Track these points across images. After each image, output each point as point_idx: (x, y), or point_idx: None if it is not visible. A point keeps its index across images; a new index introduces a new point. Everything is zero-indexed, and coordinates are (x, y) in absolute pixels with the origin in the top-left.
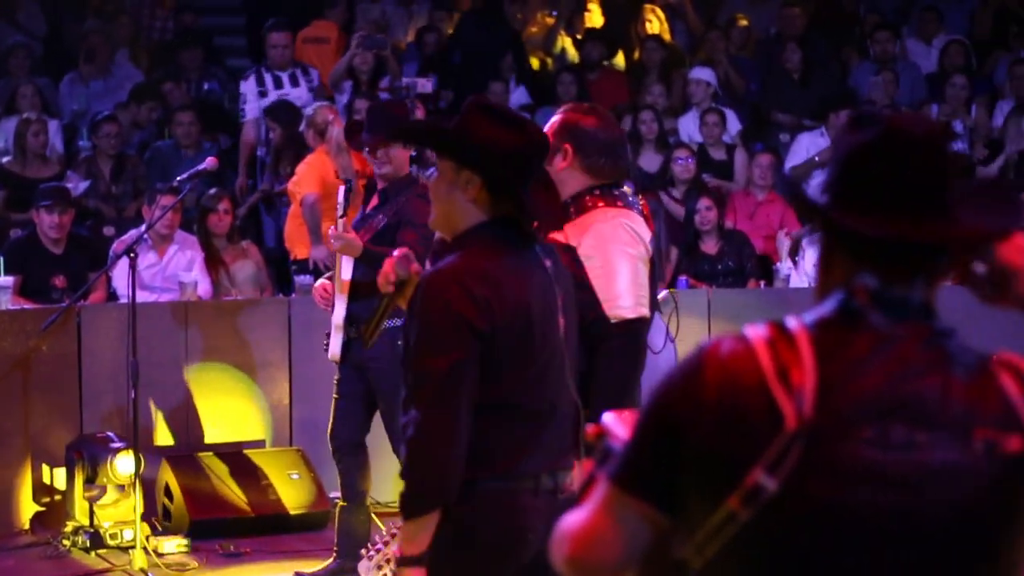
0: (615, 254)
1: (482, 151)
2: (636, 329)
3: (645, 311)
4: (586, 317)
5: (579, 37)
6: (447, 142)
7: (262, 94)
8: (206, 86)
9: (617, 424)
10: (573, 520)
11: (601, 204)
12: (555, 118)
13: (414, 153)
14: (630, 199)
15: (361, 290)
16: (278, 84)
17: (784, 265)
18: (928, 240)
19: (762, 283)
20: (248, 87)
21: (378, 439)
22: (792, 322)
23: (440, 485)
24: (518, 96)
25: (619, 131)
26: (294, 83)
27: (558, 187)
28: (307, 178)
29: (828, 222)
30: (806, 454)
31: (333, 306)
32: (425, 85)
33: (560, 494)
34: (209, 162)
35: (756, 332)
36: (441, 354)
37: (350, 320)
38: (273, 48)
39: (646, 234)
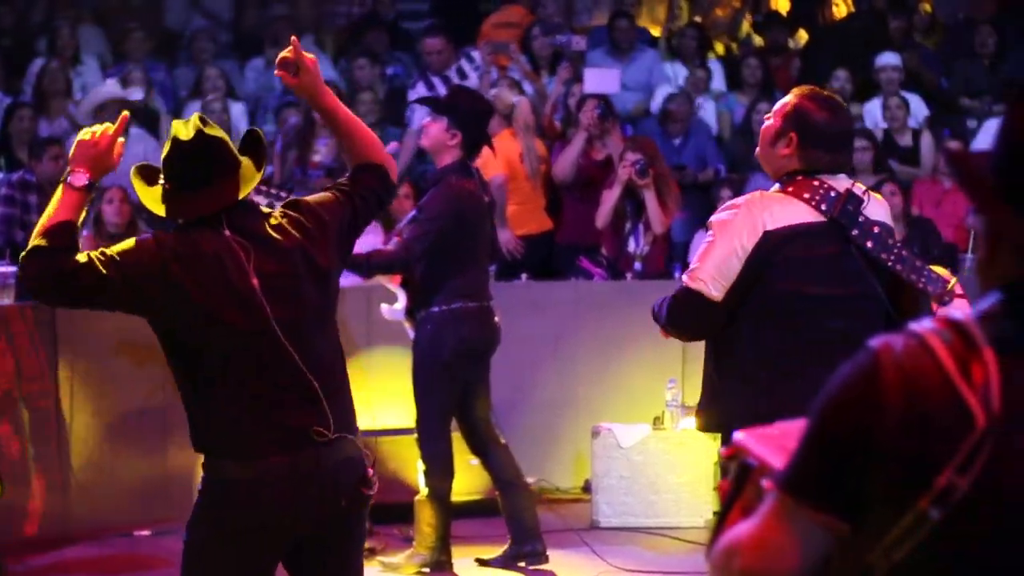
0: (715, 235)
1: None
2: (693, 298)
3: (705, 290)
4: None
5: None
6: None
7: None
8: (390, 71)
9: (751, 440)
10: (743, 532)
11: (791, 190)
12: (790, 100)
13: (454, 135)
14: (821, 192)
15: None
16: (447, 84)
17: (971, 254)
18: None
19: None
20: (415, 96)
21: (544, 425)
22: (960, 315)
23: None
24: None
25: (849, 124)
26: (462, 77)
27: (772, 166)
28: (493, 160)
29: (992, 209)
30: (997, 450)
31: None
32: (579, 43)
33: None
34: (391, 147)
35: (926, 328)
36: None
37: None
38: (428, 55)
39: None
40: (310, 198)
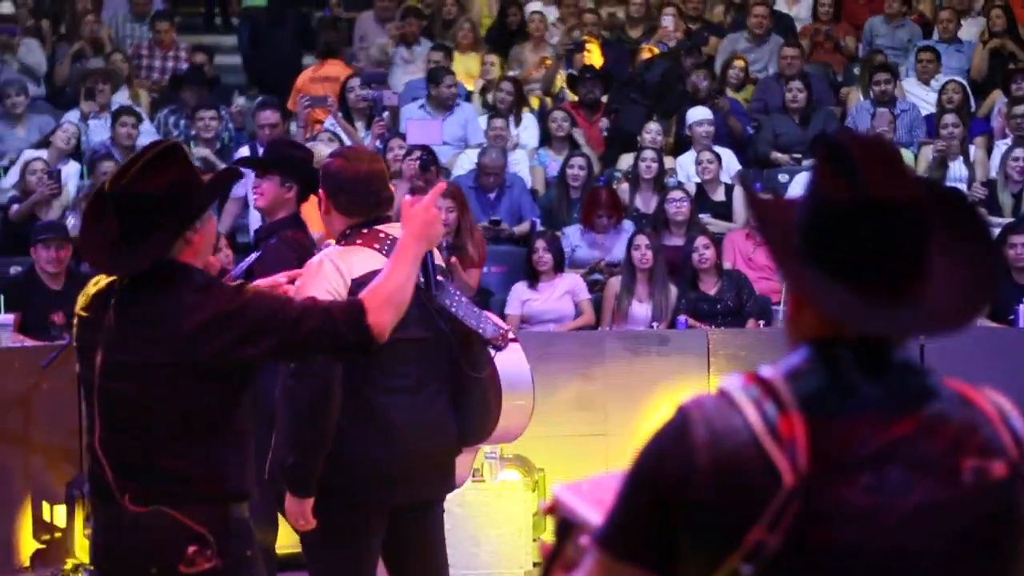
0: (304, 282)
1: None
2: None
3: None
4: None
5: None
6: None
7: None
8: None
9: (570, 495)
10: None
11: (359, 242)
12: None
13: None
14: (388, 242)
15: None
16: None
17: (784, 306)
18: (891, 334)
19: (761, 323)
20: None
21: None
22: (768, 372)
23: None
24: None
25: (366, 168)
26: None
27: (329, 228)
28: (312, 217)
29: (794, 271)
30: (805, 506)
31: None
32: (391, 98)
33: None
34: None
35: (736, 386)
36: None
37: None
38: (261, 128)
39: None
40: None
